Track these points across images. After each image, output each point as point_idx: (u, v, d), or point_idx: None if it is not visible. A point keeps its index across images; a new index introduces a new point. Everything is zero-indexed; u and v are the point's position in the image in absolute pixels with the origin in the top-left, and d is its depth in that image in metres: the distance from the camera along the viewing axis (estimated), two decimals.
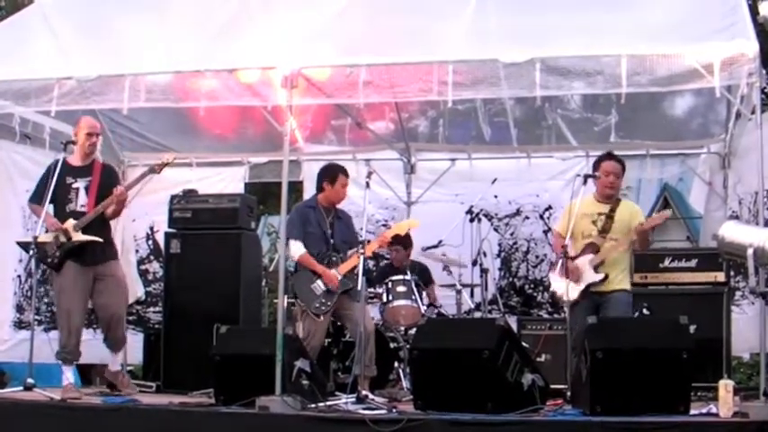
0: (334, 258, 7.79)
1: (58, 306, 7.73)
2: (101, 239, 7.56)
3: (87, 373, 9.46)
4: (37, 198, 7.68)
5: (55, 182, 7.55)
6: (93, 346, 8.26)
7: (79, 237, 7.48)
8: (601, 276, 7.14)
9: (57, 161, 7.75)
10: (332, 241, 7.85)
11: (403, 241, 9.05)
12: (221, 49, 7.21)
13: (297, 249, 7.74)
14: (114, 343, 7.82)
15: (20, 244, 8.06)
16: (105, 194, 7.59)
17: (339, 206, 8.09)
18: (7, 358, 8.77)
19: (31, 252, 7.41)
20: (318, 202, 8.00)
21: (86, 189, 7.61)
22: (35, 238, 7.54)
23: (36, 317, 8.35)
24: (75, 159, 7.78)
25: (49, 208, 7.61)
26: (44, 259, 7.59)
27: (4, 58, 7.61)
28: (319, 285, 7.70)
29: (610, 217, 7.24)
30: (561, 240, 7.25)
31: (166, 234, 8.99)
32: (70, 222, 7.51)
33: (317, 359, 7.49)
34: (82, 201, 7.61)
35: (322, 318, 7.70)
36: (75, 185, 7.64)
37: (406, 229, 8.42)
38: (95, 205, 7.56)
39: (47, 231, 7.61)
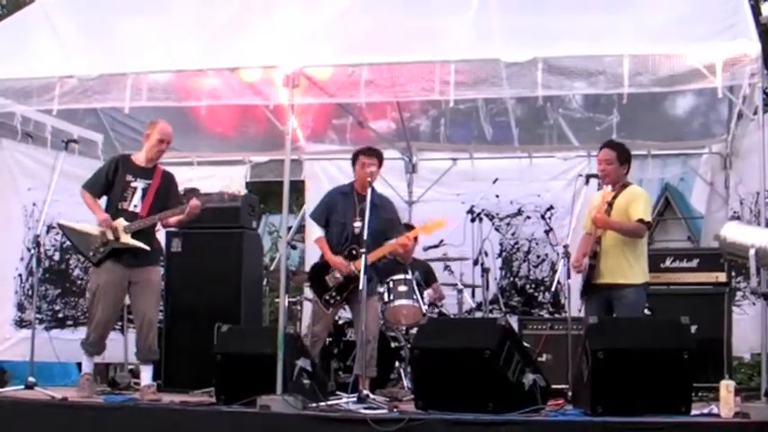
0: (354, 252, 7.64)
1: (90, 300, 7.60)
2: (147, 247, 7.44)
3: None
4: (89, 186, 7.56)
5: (115, 175, 7.51)
6: None
7: (128, 240, 7.36)
8: (587, 263, 7.09)
9: (121, 156, 7.74)
10: (356, 231, 7.67)
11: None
12: (223, 48, 7.21)
13: (314, 231, 7.80)
14: (146, 354, 7.53)
15: (61, 226, 7.98)
16: (162, 200, 7.51)
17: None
18: (8, 357, 8.77)
19: (33, 251, 7.45)
20: (354, 186, 7.90)
21: (144, 191, 7.50)
22: (39, 236, 7.58)
23: (37, 315, 8.37)
24: (140, 160, 7.65)
25: (101, 201, 7.59)
26: (84, 252, 7.54)
27: (6, 56, 7.61)
28: (334, 276, 7.69)
29: (610, 205, 7.14)
30: (587, 238, 7.26)
31: (168, 233, 8.97)
32: (121, 222, 7.38)
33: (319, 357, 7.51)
34: (136, 201, 7.48)
35: (330, 310, 7.73)
36: (133, 184, 7.50)
37: (432, 231, 8.37)
38: (149, 208, 7.45)
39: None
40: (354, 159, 7.87)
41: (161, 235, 8.55)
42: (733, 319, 8.29)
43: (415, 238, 9.05)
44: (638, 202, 7.09)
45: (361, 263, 7.41)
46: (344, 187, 8.01)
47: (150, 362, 7.55)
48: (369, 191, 7.41)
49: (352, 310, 7.92)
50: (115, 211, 7.47)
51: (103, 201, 7.64)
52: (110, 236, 7.38)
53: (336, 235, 7.79)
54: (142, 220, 7.42)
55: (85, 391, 7.35)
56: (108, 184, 7.53)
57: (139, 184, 7.51)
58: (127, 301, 7.77)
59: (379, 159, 7.86)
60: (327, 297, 7.69)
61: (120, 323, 9.17)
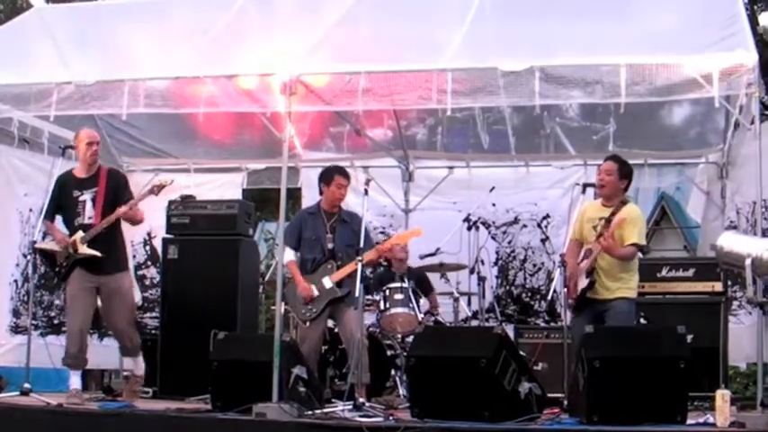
0: (329, 266, 7.69)
1: (66, 311, 7.82)
2: (103, 255, 7.50)
3: (83, 379, 9.44)
4: (46, 214, 7.68)
5: (63, 196, 7.61)
6: (89, 352, 8.23)
7: (85, 250, 7.48)
8: (586, 282, 7.10)
9: (63, 174, 7.77)
10: (329, 246, 7.73)
11: None
12: (221, 56, 7.23)
13: (286, 256, 7.67)
14: (124, 350, 7.86)
15: (35, 250, 7.97)
16: (112, 202, 7.57)
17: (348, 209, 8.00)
18: (4, 363, 8.75)
19: (29, 257, 7.48)
20: (320, 206, 7.90)
21: (93, 201, 7.57)
22: (33, 242, 7.61)
23: (33, 321, 8.35)
24: (80, 171, 7.72)
25: (59, 223, 7.74)
26: (53, 267, 7.71)
27: (4, 62, 7.63)
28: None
29: (609, 221, 7.16)
30: (570, 244, 7.26)
31: (164, 240, 8.99)
32: (78, 235, 7.51)
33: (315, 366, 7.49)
34: (89, 213, 7.57)
35: (309, 324, 7.69)
36: (81, 198, 7.59)
37: (408, 239, 8.35)
38: (102, 216, 7.53)
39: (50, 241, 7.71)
40: (330, 177, 7.79)
41: (157, 242, 8.58)
42: (729, 329, 8.28)
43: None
44: (633, 227, 7.04)
45: (338, 276, 7.56)
46: (311, 207, 8.05)
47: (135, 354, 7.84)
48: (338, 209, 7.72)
49: (335, 320, 7.88)
50: (73, 229, 7.59)
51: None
52: (70, 250, 7.52)
53: (310, 251, 7.77)
54: (94, 227, 7.51)
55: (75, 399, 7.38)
56: (58, 205, 7.65)
57: (87, 196, 7.59)
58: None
59: (349, 181, 7.92)
60: (304, 311, 7.67)
61: None
